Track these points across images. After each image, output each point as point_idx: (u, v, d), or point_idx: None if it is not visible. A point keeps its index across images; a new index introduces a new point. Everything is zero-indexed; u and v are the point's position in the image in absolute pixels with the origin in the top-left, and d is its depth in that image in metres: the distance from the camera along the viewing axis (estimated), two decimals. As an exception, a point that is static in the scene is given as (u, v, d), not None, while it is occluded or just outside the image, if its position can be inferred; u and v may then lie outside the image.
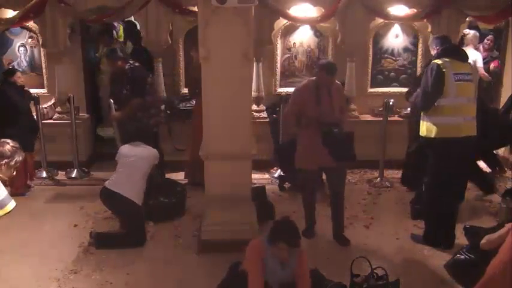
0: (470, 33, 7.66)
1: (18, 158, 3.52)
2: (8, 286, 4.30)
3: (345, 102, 5.04)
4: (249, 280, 3.60)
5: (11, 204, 3.54)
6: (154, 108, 6.09)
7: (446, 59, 4.59)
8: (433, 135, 4.64)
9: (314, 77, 4.85)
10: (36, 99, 6.51)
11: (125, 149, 5.18)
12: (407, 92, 6.10)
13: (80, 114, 6.88)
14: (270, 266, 3.63)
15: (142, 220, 5.07)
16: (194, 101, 6.42)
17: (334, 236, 5.03)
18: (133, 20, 7.71)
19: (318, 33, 7.03)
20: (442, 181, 4.76)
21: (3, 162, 3.45)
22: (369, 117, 7.06)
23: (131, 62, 5.97)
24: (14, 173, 3.61)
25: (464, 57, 4.74)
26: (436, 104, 4.58)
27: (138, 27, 7.38)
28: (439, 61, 4.61)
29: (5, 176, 3.51)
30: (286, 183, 6.47)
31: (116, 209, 5.14)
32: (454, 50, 4.77)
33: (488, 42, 8.10)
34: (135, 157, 5.06)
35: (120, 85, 5.92)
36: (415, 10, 6.64)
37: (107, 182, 5.09)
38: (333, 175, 4.98)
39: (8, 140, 3.61)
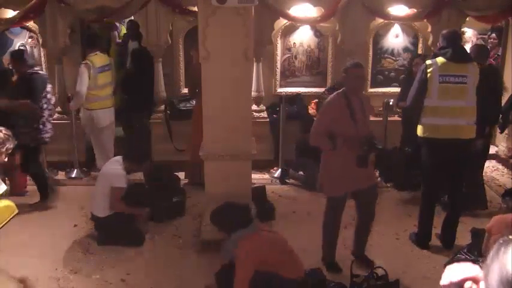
0: (469, 31, 7.67)
1: (10, 145, 3.80)
2: (8, 286, 4.30)
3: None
4: None
5: (2, 187, 3.86)
6: (29, 124, 5.58)
7: (438, 60, 4.56)
8: (419, 134, 4.69)
9: (341, 90, 4.31)
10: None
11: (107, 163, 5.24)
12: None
13: (80, 114, 6.87)
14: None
15: (123, 229, 4.98)
16: (194, 101, 6.42)
17: (355, 254, 4.64)
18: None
19: (318, 33, 7.03)
20: (430, 182, 4.81)
21: None
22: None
23: (36, 69, 5.72)
24: (6, 159, 3.87)
25: (462, 58, 4.59)
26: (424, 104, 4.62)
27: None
28: (429, 61, 4.62)
29: None
30: (290, 178, 6.51)
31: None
32: (450, 50, 4.59)
33: (491, 40, 8.11)
34: (100, 173, 5.11)
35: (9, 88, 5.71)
36: (415, 10, 6.64)
37: None
38: (364, 196, 4.42)
39: (1, 128, 3.91)
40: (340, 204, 4.42)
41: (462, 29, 7.30)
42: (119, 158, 5.10)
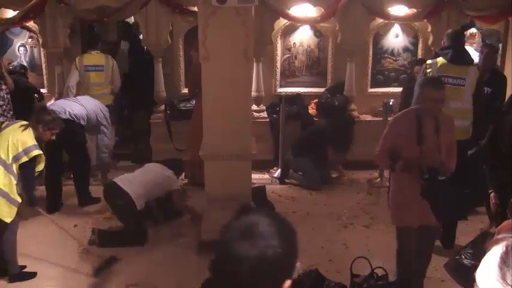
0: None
1: (54, 126, 4.46)
2: (9, 286, 4.30)
3: (454, 140, 3.76)
4: None
5: (36, 151, 4.23)
6: None
7: (438, 60, 4.60)
8: None
9: (415, 106, 3.82)
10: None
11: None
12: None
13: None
14: None
15: (138, 220, 5.04)
16: (194, 101, 6.42)
17: None
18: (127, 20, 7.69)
19: (318, 33, 7.03)
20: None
21: (40, 126, 4.35)
22: (369, 117, 7.07)
23: None
24: (53, 137, 4.51)
25: (461, 60, 4.60)
26: None
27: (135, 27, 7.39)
28: (429, 61, 4.67)
29: (43, 139, 4.42)
30: (290, 178, 6.55)
31: (114, 204, 5.17)
32: (450, 52, 4.62)
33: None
34: (156, 172, 5.28)
35: None
36: (415, 10, 6.64)
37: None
38: (425, 235, 3.81)
39: (53, 111, 4.79)
40: (409, 239, 3.76)
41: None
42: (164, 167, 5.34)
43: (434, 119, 3.60)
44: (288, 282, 1.34)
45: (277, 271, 1.31)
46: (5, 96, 6.07)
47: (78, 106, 5.67)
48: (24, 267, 4.47)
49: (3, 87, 6.08)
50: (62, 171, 6.04)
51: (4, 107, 6.00)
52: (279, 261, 1.30)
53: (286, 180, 6.55)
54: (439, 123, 3.61)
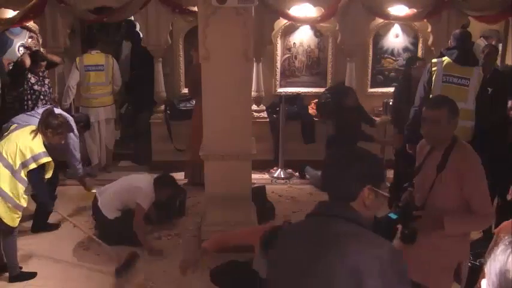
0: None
1: (62, 130, 4.44)
2: (9, 286, 4.30)
3: (481, 195, 2.82)
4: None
5: (45, 159, 4.20)
6: None
7: (443, 59, 4.61)
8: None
9: None
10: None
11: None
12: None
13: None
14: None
15: (121, 227, 4.96)
16: (194, 101, 6.42)
17: None
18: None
19: (318, 33, 7.03)
20: None
21: (49, 131, 4.29)
22: (368, 117, 7.06)
23: None
24: (63, 141, 4.56)
25: (466, 60, 4.62)
26: None
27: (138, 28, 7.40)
28: (434, 60, 4.68)
29: (53, 143, 4.37)
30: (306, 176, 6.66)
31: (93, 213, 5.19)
32: (456, 52, 4.65)
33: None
34: (129, 180, 5.13)
35: None
36: (415, 10, 6.64)
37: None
38: None
39: (61, 115, 4.74)
40: None
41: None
42: (151, 178, 5.06)
43: (446, 152, 2.83)
44: (368, 187, 1.81)
45: (360, 172, 1.82)
46: (47, 91, 6.20)
47: (36, 120, 4.96)
48: (22, 267, 4.47)
49: (46, 81, 6.22)
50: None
51: (40, 102, 6.06)
52: (362, 165, 1.83)
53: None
54: (447, 159, 2.82)
